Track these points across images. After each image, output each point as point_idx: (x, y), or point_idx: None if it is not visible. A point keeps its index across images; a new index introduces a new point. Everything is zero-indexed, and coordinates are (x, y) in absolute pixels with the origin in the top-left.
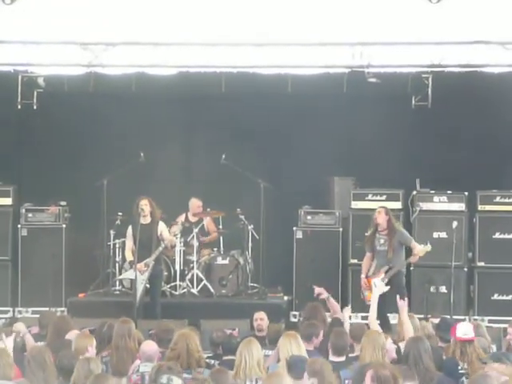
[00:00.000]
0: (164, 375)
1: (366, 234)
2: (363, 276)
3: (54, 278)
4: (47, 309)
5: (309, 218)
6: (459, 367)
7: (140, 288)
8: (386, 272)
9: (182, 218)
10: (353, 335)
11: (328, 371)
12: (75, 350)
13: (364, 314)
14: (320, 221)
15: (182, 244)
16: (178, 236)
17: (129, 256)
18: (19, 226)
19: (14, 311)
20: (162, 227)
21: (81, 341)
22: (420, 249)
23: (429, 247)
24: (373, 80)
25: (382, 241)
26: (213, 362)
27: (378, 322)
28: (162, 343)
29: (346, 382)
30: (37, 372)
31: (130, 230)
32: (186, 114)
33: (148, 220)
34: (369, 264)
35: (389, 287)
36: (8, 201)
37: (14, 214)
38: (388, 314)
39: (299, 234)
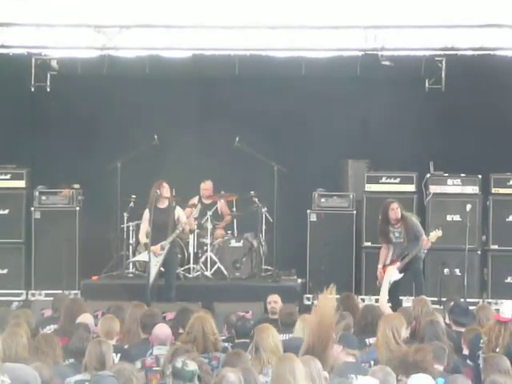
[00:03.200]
0: (179, 359)
1: (379, 224)
2: (380, 266)
3: (67, 261)
4: (60, 291)
5: (323, 200)
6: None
7: (154, 271)
8: (402, 259)
9: (195, 200)
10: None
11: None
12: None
13: (378, 297)
14: (334, 203)
15: (196, 227)
16: (196, 216)
17: (143, 239)
18: (32, 208)
19: (27, 294)
20: (179, 211)
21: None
22: (431, 235)
23: (440, 232)
24: (386, 63)
25: (397, 234)
26: (226, 344)
27: (390, 304)
28: (147, 329)
29: (363, 365)
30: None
31: (146, 213)
32: (199, 97)
33: (165, 204)
34: (386, 254)
35: (401, 275)
36: (21, 183)
37: (27, 197)
38: (401, 297)
39: (313, 217)
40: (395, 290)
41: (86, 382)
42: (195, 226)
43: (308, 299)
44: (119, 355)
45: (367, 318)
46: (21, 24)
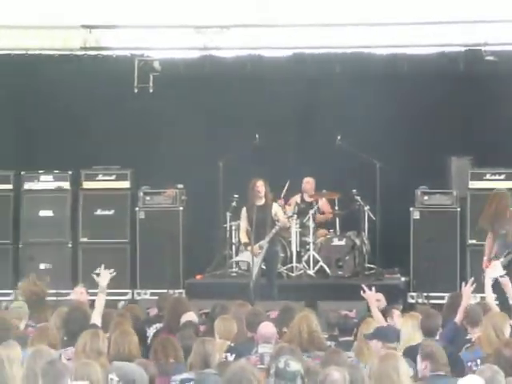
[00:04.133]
0: (282, 358)
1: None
2: (486, 258)
3: (171, 260)
4: (165, 291)
5: (425, 198)
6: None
7: (255, 270)
8: (506, 255)
9: (296, 198)
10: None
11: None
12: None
13: (484, 295)
14: (437, 201)
15: (298, 225)
16: (294, 217)
17: (243, 238)
18: (137, 208)
19: (133, 293)
20: (276, 208)
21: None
22: None
23: None
24: (490, 58)
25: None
26: (329, 343)
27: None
28: (252, 327)
29: (469, 364)
30: None
31: (244, 211)
32: (300, 96)
33: (262, 201)
34: (491, 245)
35: (504, 272)
36: (126, 184)
37: (131, 197)
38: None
39: (416, 215)
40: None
41: (191, 380)
42: (290, 224)
43: (412, 297)
44: (234, 355)
45: (473, 316)
46: (124, 26)
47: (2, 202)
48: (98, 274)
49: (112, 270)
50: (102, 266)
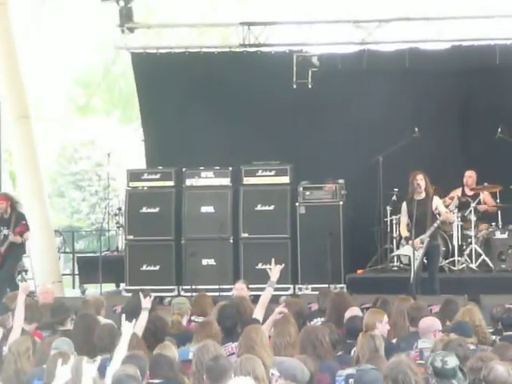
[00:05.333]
0: (437, 357)
1: None
2: None
3: (332, 255)
4: (326, 285)
5: None
6: None
7: (416, 264)
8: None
9: (458, 192)
10: None
11: None
12: (365, 325)
13: None
14: None
15: (460, 219)
16: (455, 211)
17: (404, 232)
18: (297, 203)
19: (294, 288)
20: (437, 202)
21: (370, 316)
22: None
23: None
24: None
25: None
26: (494, 337)
27: None
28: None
29: None
30: None
31: (404, 205)
32: (459, 88)
33: (423, 195)
34: None
35: None
36: (286, 179)
37: (291, 192)
38: None
39: None
40: None
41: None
42: (453, 218)
43: None
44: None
45: None
46: (282, 22)
47: (164, 199)
48: (269, 269)
49: (283, 265)
50: (273, 260)
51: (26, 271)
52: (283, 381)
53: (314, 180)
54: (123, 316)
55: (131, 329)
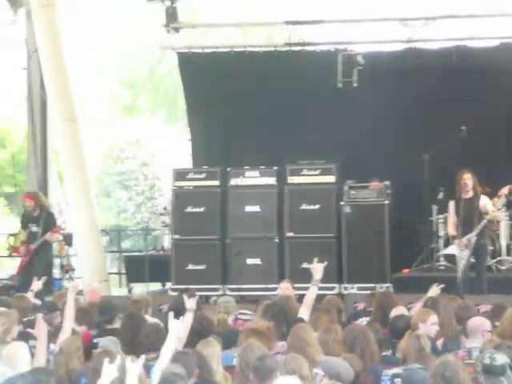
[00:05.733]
0: (486, 354)
1: None
2: None
3: (378, 254)
4: (372, 285)
5: None
6: None
7: (462, 263)
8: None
9: (505, 190)
10: None
11: None
12: (411, 325)
13: None
14: None
15: (508, 218)
16: (503, 210)
17: (451, 231)
18: (342, 203)
19: (340, 287)
20: (484, 201)
21: (416, 316)
22: None
23: None
24: None
25: None
26: None
27: None
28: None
29: None
30: None
31: (451, 204)
32: (507, 86)
33: (470, 194)
34: None
35: None
36: (331, 178)
37: (337, 192)
38: None
39: None
40: None
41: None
42: (501, 217)
43: None
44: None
45: None
46: (328, 21)
47: (209, 198)
48: (311, 268)
49: (325, 264)
50: (315, 259)
51: (73, 270)
52: (328, 380)
53: (360, 179)
54: (170, 314)
55: (178, 327)
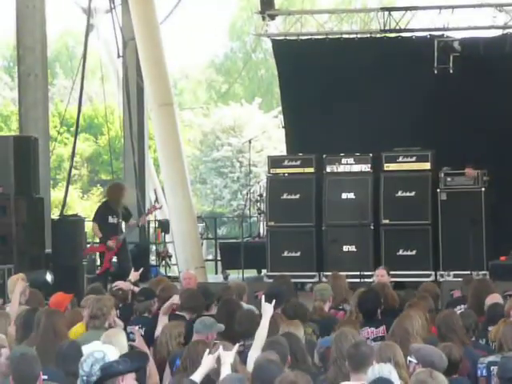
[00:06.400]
0: None
1: None
2: None
3: (474, 242)
4: (468, 272)
5: None
6: None
7: None
8: None
9: None
10: None
11: None
12: (506, 312)
13: None
14: None
15: None
16: None
17: None
18: (438, 190)
19: (436, 275)
20: None
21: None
22: None
23: None
24: None
25: None
26: None
27: None
28: None
29: None
30: None
31: None
32: None
33: None
34: None
35: None
36: (427, 165)
37: (432, 179)
38: None
39: None
40: None
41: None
42: None
43: None
44: None
45: None
46: (424, 7)
47: (304, 185)
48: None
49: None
50: (263, 296)
51: (170, 257)
52: (421, 368)
53: (456, 166)
54: (263, 297)
55: (271, 310)
